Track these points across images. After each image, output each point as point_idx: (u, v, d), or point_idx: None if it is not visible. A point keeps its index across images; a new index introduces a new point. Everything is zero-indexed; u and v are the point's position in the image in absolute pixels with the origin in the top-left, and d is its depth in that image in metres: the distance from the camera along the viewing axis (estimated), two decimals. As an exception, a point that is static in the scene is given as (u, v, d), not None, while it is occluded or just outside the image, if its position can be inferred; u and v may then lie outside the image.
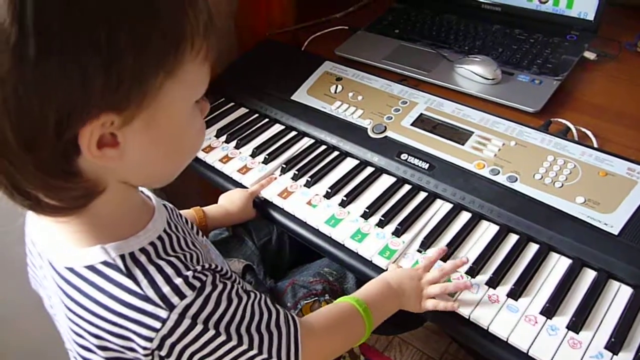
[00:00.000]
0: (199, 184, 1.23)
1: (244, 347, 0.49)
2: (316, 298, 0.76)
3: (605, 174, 0.75)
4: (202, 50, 0.42)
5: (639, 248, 0.66)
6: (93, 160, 0.40)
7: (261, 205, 0.88)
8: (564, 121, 0.87)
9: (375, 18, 1.24)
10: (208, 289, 0.48)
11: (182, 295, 0.46)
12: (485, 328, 0.63)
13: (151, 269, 0.46)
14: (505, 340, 0.62)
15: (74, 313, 0.48)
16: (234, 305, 0.49)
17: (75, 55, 0.35)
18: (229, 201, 0.86)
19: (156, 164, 0.46)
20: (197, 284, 0.47)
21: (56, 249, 0.48)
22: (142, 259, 0.46)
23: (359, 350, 0.81)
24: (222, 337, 0.48)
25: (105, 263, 0.46)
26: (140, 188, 0.54)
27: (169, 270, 0.46)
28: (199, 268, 0.48)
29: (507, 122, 0.86)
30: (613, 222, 0.69)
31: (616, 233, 0.68)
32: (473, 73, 0.98)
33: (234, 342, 0.48)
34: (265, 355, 0.51)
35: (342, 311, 0.63)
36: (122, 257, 0.46)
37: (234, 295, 0.50)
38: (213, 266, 0.51)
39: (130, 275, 0.45)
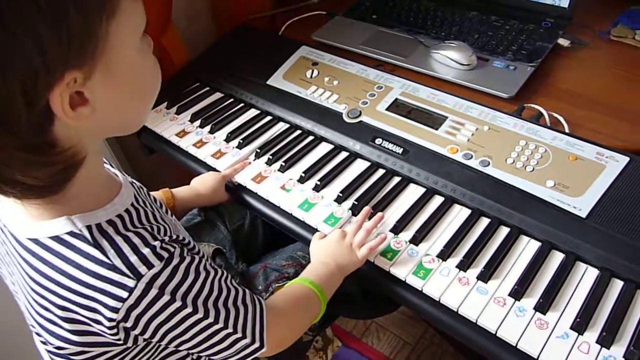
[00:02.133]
0: (176, 171, 1.22)
1: (210, 320, 0.50)
2: (288, 281, 0.75)
3: (575, 158, 0.75)
4: None
5: (605, 231, 0.67)
6: (71, 122, 0.40)
7: (235, 190, 0.87)
8: (537, 107, 0.88)
9: (353, 3, 1.24)
10: (176, 260, 0.48)
11: (149, 265, 0.46)
12: (455, 310, 0.64)
13: (118, 240, 0.46)
14: (474, 322, 0.63)
15: (39, 285, 0.47)
16: (202, 278, 0.50)
17: (20, 21, 0.35)
18: (201, 182, 0.86)
19: (126, 107, 0.47)
20: (165, 254, 0.47)
21: (20, 221, 0.48)
22: (110, 230, 0.46)
23: (332, 334, 0.81)
24: (189, 309, 0.48)
25: (71, 233, 0.45)
26: (106, 166, 0.53)
27: (136, 241, 0.47)
28: (166, 239, 0.49)
29: (481, 107, 0.86)
30: (581, 206, 0.70)
31: (584, 216, 0.69)
32: (449, 59, 0.98)
33: (199, 315, 0.49)
34: (230, 330, 0.51)
35: (301, 292, 0.66)
36: (89, 227, 0.46)
37: (201, 269, 0.51)
38: (181, 238, 0.51)
39: (97, 245, 0.45)
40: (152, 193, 0.79)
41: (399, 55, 1.04)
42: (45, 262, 0.46)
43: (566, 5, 1.03)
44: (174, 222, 0.60)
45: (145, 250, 0.46)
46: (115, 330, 0.46)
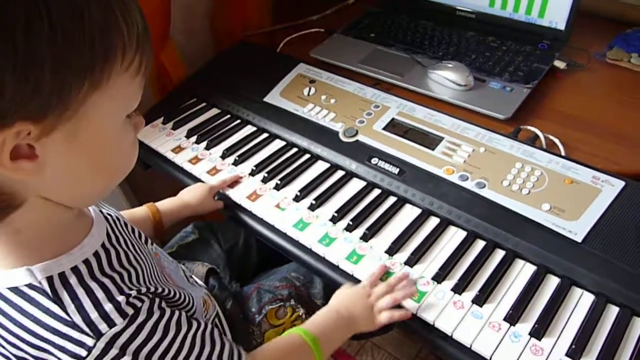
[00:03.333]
0: (171, 186, 1.22)
1: None
2: (282, 303, 0.74)
3: (571, 181, 0.75)
4: (134, 63, 0.40)
5: (601, 255, 0.66)
6: (5, 172, 0.37)
7: (229, 208, 0.86)
8: (533, 129, 0.88)
9: (351, 21, 1.24)
10: (142, 317, 0.45)
11: (111, 323, 0.43)
12: (450, 334, 0.63)
13: (80, 292, 0.43)
14: (468, 347, 0.62)
15: None
16: (170, 336, 0.47)
17: None
18: (188, 192, 0.85)
19: (80, 181, 0.43)
20: (130, 311, 0.44)
21: None
22: (73, 280, 0.43)
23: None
24: None
25: (30, 286, 0.43)
26: None
27: (100, 294, 0.44)
28: (133, 293, 0.45)
29: (477, 128, 0.87)
30: (577, 230, 0.69)
31: (580, 240, 0.68)
32: (446, 79, 0.99)
33: None
34: None
35: (292, 345, 0.62)
36: (50, 279, 0.43)
37: (172, 325, 0.47)
38: (152, 289, 0.48)
39: (56, 299, 0.42)
40: (136, 209, 0.78)
41: (396, 75, 1.04)
42: (3, 314, 0.44)
43: (562, 28, 1.04)
44: (154, 252, 0.58)
45: (108, 307, 0.43)
46: None
